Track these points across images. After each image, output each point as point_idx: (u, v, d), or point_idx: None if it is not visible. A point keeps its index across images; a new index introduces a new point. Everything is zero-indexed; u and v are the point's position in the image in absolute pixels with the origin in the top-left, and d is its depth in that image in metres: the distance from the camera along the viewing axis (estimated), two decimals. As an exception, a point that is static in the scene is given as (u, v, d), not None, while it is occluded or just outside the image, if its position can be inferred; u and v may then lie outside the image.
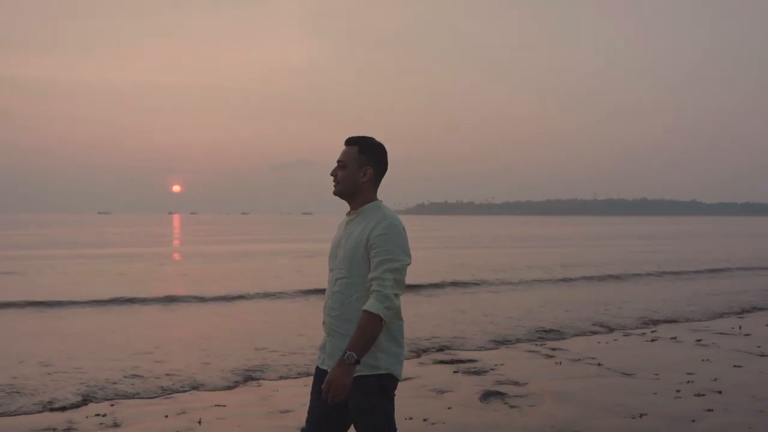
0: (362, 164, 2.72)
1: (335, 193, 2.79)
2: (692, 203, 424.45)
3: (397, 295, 2.55)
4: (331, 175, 2.78)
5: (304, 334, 8.65)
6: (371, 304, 2.51)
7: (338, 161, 2.76)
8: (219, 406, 5.39)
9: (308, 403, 2.77)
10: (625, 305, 11.78)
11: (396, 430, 2.65)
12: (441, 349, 7.81)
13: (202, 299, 12.53)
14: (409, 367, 6.47)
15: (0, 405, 5.36)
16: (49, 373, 6.43)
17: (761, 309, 11.45)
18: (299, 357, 7.32)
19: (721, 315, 10.77)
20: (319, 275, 11.59)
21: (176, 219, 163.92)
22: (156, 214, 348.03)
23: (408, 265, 2.60)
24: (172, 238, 48.99)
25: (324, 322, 2.77)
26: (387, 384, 2.62)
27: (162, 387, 6.01)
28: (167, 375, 6.43)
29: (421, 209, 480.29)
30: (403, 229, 2.65)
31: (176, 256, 29.16)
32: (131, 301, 12.15)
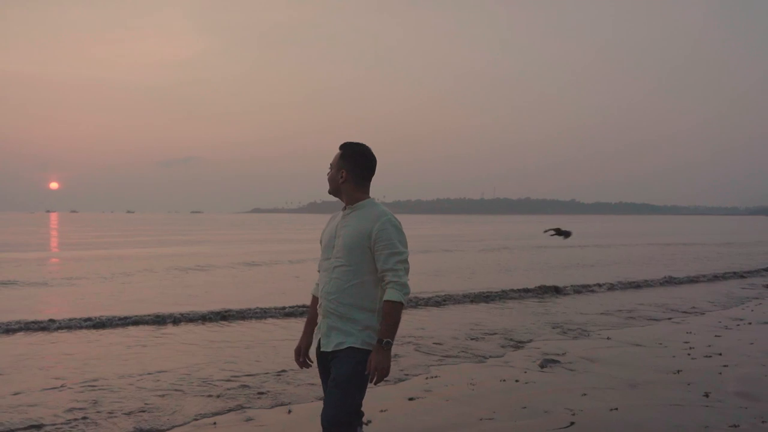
0: (340, 167, 3.07)
1: (328, 192, 3.16)
2: (571, 203, 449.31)
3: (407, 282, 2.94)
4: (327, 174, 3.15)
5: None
6: (392, 294, 2.88)
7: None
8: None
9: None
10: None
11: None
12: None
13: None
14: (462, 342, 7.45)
15: None
16: None
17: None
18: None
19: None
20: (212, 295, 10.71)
21: (53, 218, 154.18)
22: (31, 213, 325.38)
23: (408, 255, 2.98)
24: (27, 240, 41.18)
25: (320, 306, 3.08)
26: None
27: None
28: None
29: (314, 208, 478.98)
30: (400, 224, 3.01)
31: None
32: None
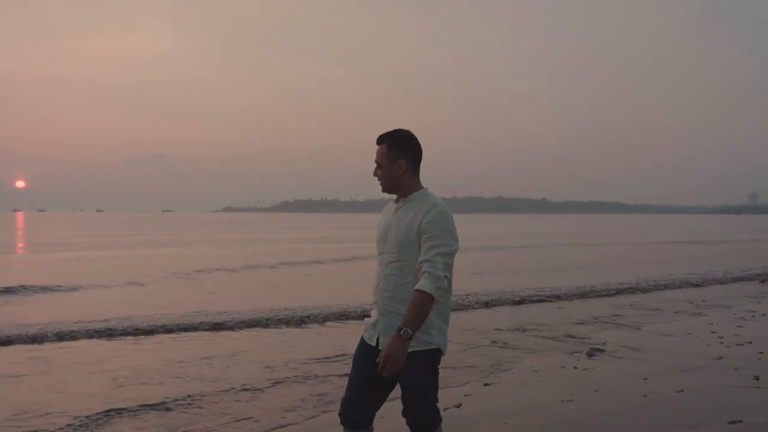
0: (394, 158, 2.91)
1: (383, 191, 3.02)
2: (543, 201, 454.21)
3: (446, 277, 2.76)
4: (374, 176, 3.00)
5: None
6: (424, 284, 2.72)
7: (375, 162, 2.98)
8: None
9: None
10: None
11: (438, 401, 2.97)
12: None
13: None
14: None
15: None
16: None
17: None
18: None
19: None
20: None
21: (19, 217, 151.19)
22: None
23: (456, 249, 2.81)
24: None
25: (375, 302, 2.98)
26: (436, 358, 2.90)
27: None
28: None
29: (286, 207, 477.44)
30: (451, 215, 2.86)
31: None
32: None
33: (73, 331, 8.35)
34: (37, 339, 7.94)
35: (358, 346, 3.06)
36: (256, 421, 4.78)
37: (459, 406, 5.04)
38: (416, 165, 2.96)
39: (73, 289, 13.49)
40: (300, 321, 9.44)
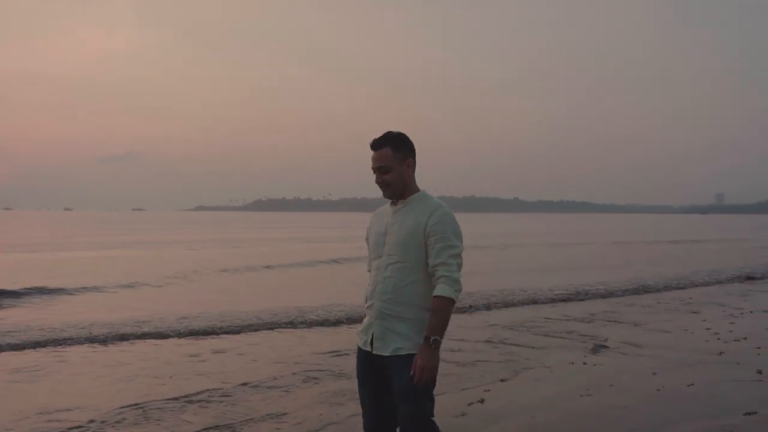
0: (402, 159, 2.87)
1: (389, 196, 2.94)
2: (515, 201, 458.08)
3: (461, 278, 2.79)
4: (377, 182, 2.92)
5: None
6: (443, 290, 2.72)
7: (378, 168, 2.88)
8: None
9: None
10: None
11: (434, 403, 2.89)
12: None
13: None
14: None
15: None
16: None
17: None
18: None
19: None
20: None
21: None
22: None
23: (463, 249, 2.83)
24: None
25: (370, 306, 2.91)
26: None
27: None
28: None
29: (259, 205, 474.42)
30: (454, 216, 2.86)
31: None
32: None
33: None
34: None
35: (357, 359, 3.01)
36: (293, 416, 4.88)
37: (482, 401, 5.19)
38: (415, 167, 2.95)
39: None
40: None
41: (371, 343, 2.88)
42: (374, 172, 2.91)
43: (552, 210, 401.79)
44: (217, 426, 4.69)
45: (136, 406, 5.14)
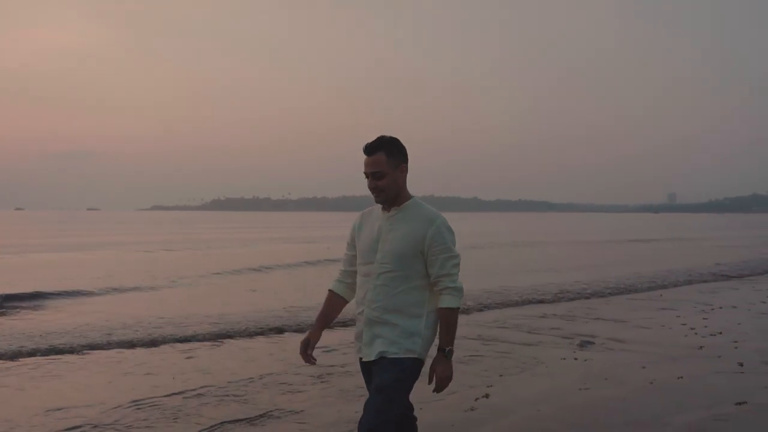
0: (396, 165, 2.86)
1: (382, 202, 2.91)
2: (474, 200, 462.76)
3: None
4: (370, 188, 2.88)
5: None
6: (449, 301, 2.80)
7: (372, 173, 2.85)
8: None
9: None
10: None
11: (412, 408, 2.95)
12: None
13: None
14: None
15: None
16: None
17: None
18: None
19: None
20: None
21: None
22: None
23: (460, 257, 2.89)
24: None
25: (360, 313, 2.92)
26: (417, 367, 2.85)
27: None
28: None
29: (217, 205, 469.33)
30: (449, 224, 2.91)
31: None
32: None
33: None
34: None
35: (361, 367, 3.04)
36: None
37: (487, 396, 5.40)
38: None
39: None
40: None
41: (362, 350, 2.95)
42: (367, 177, 2.88)
43: (511, 209, 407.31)
44: (237, 420, 4.84)
45: (139, 403, 5.25)
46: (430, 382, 2.87)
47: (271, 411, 5.07)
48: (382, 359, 2.82)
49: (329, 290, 3.11)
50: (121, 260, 22.55)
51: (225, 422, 4.79)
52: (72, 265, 20.30)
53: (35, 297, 12.13)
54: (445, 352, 2.82)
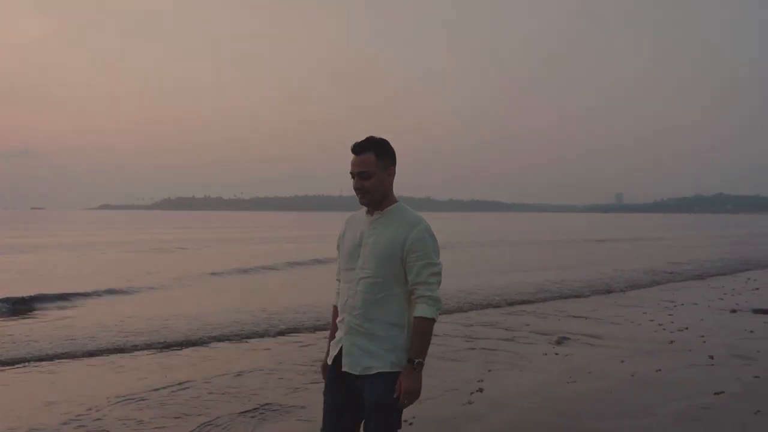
0: (385, 167, 2.78)
1: (366, 204, 2.81)
2: (427, 200, 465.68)
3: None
4: (355, 188, 2.79)
5: None
6: (425, 311, 2.68)
7: (358, 173, 2.76)
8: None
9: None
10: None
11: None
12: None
13: None
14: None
15: None
16: None
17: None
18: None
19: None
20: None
21: None
22: None
23: (442, 267, 2.77)
24: None
25: (341, 320, 2.82)
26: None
27: None
28: None
29: (168, 204, 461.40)
30: (433, 231, 2.79)
31: None
32: None
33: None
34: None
35: (327, 371, 2.91)
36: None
37: (481, 390, 5.64)
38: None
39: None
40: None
41: (340, 358, 2.81)
42: (353, 177, 2.79)
43: (463, 209, 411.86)
44: (245, 412, 4.99)
45: (142, 399, 5.37)
46: (396, 394, 2.67)
47: (270, 404, 5.26)
48: (366, 377, 2.71)
49: (333, 306, 2.99)
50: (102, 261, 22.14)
51: (221, 416, 4.93)
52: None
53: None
54: (414, 364, 2.67)
